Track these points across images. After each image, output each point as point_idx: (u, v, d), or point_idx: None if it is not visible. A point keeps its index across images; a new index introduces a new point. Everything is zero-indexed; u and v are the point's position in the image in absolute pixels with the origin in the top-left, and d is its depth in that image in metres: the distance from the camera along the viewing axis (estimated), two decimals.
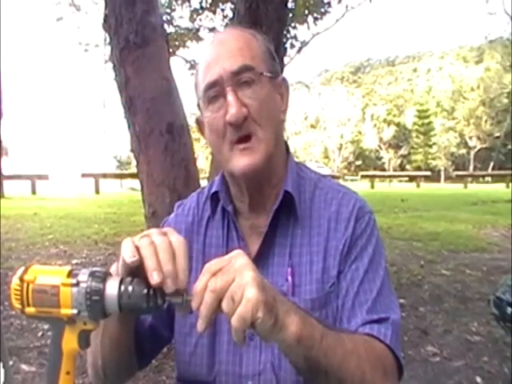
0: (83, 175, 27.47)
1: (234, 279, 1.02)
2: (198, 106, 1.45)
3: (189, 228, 1.53)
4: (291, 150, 1.56)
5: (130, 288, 1.02)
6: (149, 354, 1.55)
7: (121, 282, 1.03)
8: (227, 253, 1.33)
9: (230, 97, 1.31)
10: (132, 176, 21.79)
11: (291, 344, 1.09)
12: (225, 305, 1.01)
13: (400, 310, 1.40)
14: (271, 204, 1.44)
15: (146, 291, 1.02)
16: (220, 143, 1.37)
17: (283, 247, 1.43)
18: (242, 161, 1.33)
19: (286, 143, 1.53)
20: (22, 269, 1.07)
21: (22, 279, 1.05)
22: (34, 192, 22.17)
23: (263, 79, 1.36)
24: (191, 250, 1.49)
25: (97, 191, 23.83)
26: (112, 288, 1.03)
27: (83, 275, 1.04)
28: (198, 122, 1.50)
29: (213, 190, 1.49)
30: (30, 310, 1.06)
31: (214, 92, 1.35)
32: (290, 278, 1.39)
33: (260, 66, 1.37)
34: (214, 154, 1.44)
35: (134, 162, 5.88)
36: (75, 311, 1.03)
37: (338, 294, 1.38)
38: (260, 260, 1.40)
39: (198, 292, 1.02)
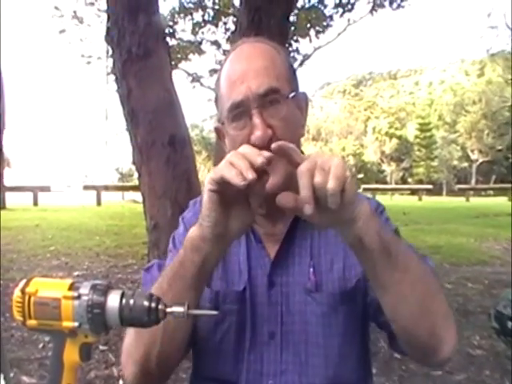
0: (85, 187, 27.42)
1: (316, 161, 1.08)
2: (219, 118, 1.46)
3: None
4: None
5: (132, 301, 1.02)
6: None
7: (122, 295, 1.03)
8: (247, 252, 1.47)
9: (256, 119, 1.32)
10: (134, 188, 21.73)
11: (368, 215, 1.15)
12: (318, 176, 1.05)
13: None
14: (289, 213, 1.43)
15: (147, 304, 1.02)
16: None
17: (304, 248, 1.47)
18: None
19: (303, 153, 1.54)
20: (24, 281, 1.08)
21: (23, 291, 1.06)
22: (35, 203, 22.16)
23: (288, 100, 1.38)
24: None
25: (98, 203, 23.80)
26: (113, 301, 1.03)
27: (85, 288, 1.04)
28: (218, 131, 1.51)
29: None
30: (32, 322, 1.06)
31: (239, 111, 1.36)
32: (312, 277, 1.43)
33: (284, 86, 1.38)
34: None
35: (135, 174, 5.89)
36: (76, 324, 1.04)
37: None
38: (280, 261, 1.45)
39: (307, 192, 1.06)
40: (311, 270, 1.43)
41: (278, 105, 1.36)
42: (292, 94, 1.39)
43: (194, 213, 1.58)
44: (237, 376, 1.43)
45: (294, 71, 1.48)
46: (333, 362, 1.40)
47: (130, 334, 1.37)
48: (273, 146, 1.13)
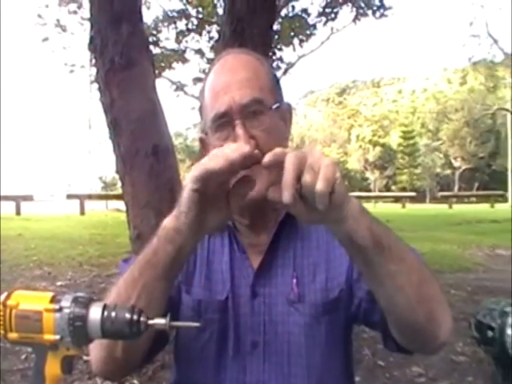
0: (68, 196, 27.29)
1: (306, 157, 1.07)
2: (203, 129, 1.48)
3: None
4: None
5: (114, 314, 1.02)
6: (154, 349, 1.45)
7: (104, 308, 1.03)
8: (231, 261, 1.47)
9: (239, 130, 1.33)
10: (117, 197, 21.68)
11: (358, 211, 1.15)
12: (307, 176, 1.04)
13: None
14: (273, 224, 1.48)
15: (129, 317, 1.02)
16: None
17: (287, 259, 1.47)
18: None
19: None
20: (5, 294, 1.07)
21: (4, 304, 1.05)
22: (18, 213, 22.01)
23: (271, 111, 1.40)
24: (196, 255, 1.51)
25: (82, 212, 23.70)
26: (95, 313, 1.03)
27: (66, 301, 1.04)
28: (202, 141, 1.52)
29: None
30: (13, 335, 1.06)
31: (222, 122, 1.37)
32: (295, 288, 1.44)
33: (268, 97, 1.40)
34: None
35: (119, 183, 5.87)
36: (58, 337, 1.03)
37: (355, 289, 1.43)
38: (263, 272, 1.45)
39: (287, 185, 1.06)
40: (294, 281, 1.44)
41: (261, 116, 1.37)
42: (275, 105, 1.41)
43: None
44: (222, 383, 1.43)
45: (277, 82, 1.50)
46: (315, 372, 1.41)
47: None
48: (265, 159, 1.11)
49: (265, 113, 1.38)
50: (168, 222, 1.24)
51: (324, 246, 1.48)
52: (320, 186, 1.02)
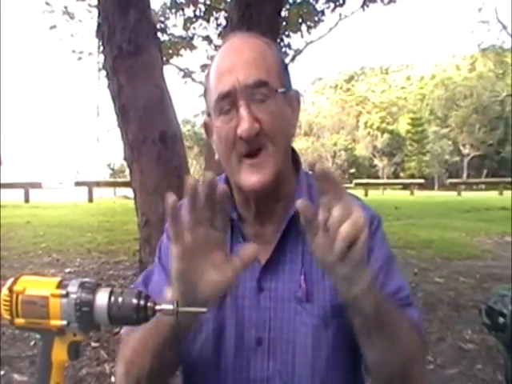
0: (77, 183, 27.32)
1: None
2: (208, 111, 1.43)
3: None
4: None
5: (120, 299, 1.02)
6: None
7: (111, 293, 1.02)
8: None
9: (243, 111, 1.29)
10: (125, 184, 21.69)
11: (368, 285, 1.13)
12: (338, 210, 1.04)
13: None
14: (278, 214, 1.44)
15: (136, 302, 1.01)
16: (228, 154, 1.35)
17: (295, 254, 1.42)
18: (250, 178, 1.32)
19: (295, 153, 1.52)
20: (12, 279, 1.07)
21: (11, 290, 1.05)
22: (27, 200, 22.07)
23: (277, 95, 1.34)
24: None
25: (90, 199, 23.74)
26: (102, 299, 1.02)
27: (73, 286, 1.03)
28: (206, 126, 1.49)
29: None
30: (20, 320, 1.05)
31: (226, 103, 1.32)
32: (303, 285, 1.39)
33: (274, 80, 1.35)
34: (222, 162, 1.42)
35: (127, 170, 5.87)
36: (65, 322, 1.03)
37: None
38: (271, 267, 1.41)
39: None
40: (302, 277, 1.40)
41: (267, 99, 1.32)
42: (282, 89, 1.35)
43: None
44: (220, 383, 1.40)
45: (286, 68, 1.44)
46: (320, 373, 1.37)
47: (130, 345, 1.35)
48: (317, 168, 1.05)
49: (271, 97, 1.32)
50: (166, 294, 1.19)
51: None
52: (347, 227, 1.02)
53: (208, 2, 14.61)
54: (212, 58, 1.47)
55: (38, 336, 1.11)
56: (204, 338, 1.42)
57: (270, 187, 1.33)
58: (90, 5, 14.83)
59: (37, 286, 1.06)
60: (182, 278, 1.12)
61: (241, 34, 1.46)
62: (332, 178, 1.07)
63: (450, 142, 70.54)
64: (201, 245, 1.11)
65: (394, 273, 1.42)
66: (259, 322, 1.38)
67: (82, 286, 1.03)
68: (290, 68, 1.52)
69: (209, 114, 1.42)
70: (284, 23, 13.29)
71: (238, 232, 1.45)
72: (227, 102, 1.32)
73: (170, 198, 1.04)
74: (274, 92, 1.33)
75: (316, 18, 15.23)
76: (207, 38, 15.89)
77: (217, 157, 1.44)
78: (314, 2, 14.61)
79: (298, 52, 17.67)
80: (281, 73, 1.39)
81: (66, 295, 1.02)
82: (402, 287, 1.41)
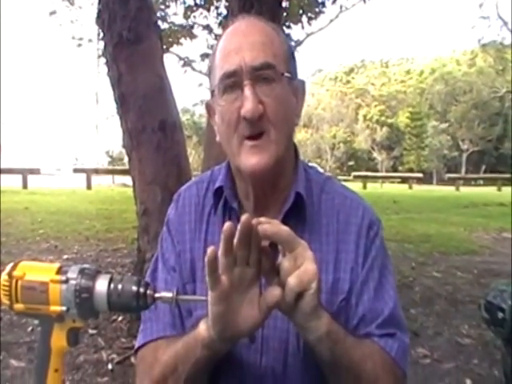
0: (75, 170, 27.33)
1: (298, 248, 1.09)
2: (211, 90, 1.40)
3: (192, 227, 1.49)
4: None
5: (120, 286, 1.01)
6: None
7: (110, 280, 1.02)
8: None
9: (248, 91, 1.27)
10: (124, 172, 21.69)
11: (321, 335, 1.14)
12: (287, 262, 1.07)
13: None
14: (277, 206, 1.42)
15: (135, 289, 1.01)
16: (230, 135, 1.33)
17: None
18: (250, 159, 1.30)
19: (295, 146, 1.50)
20: (11, 265, 1.07)
21: (10, 275, 1.05)
22: (25, 186, 22.08)
23: (283, 79, 1.32)
24: (194, 249, 1.47)
25: (88, 187, 23.76)
26: (101, 286, 1.02)
27: (73, 272, 1.03)
28: (208, 107, 1.47)
29: (217, 185, 1.45)
30: (19, 306, 1.05)
31: (231, 82, 1.30)
32: None
33: (281, 65, 1.33)
34: (222, 143, 1.40)
35: (126, 158, 5.86)
36: (64, 308, 1.03)
37: (348, 307, 1.38)
38: None
39: (274, 227, 1.09)
40: None
41: (273, 83, 1.30)
42: (287, 74, 1.33)
43: (176, 211, 1.55)
44: (213, 381, 1.38)
45: (292, 55, 1.42)
46: (311, 373, 1.35)
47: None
48: (261, 230, 1.08)
49: (276, 80, 1.31)
50: (202, 329, 1.21)
51: (334, 243, 1.40)
52: (292, 281, 1.05)
53: None
54: (213, 47, 1.45)
55: (36, 322, 1.11)
56: None
57: (270, 172, 1.32)
58: None
59: (36, 271, 1.06)
60: (220, 319, 1.13)
61: (249, 17, 1.44)
62: (279, 234, 1.09)
63: (449, 137, 70.47)
64: (237, 285, 1.12)
65: (384, 289, 1.39)
66: None
67: (81, 272, 1.03)
68: None
69: (212, 94, 1.40)
70: (285, 14, 13.23)
71: (237, 221, 1.43)
72: (232, 81, 1.30)
73: (211, 251, 1.05)
74: (280, 75, 1.32)
75: (317, 10, 15.16)
76: (207, 27, 15.82)
77: (218, 138, 1.42)
78: None
79: (298, 43, 17.66)
80: (287, 59, 1.37)
81: (66, 281, 1.02)
82: (389, 309, 1.37)
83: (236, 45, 1.32)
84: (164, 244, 1.52)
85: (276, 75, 1.31)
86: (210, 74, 1.42)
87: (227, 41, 1.36)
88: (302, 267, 1.05)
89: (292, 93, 1.38)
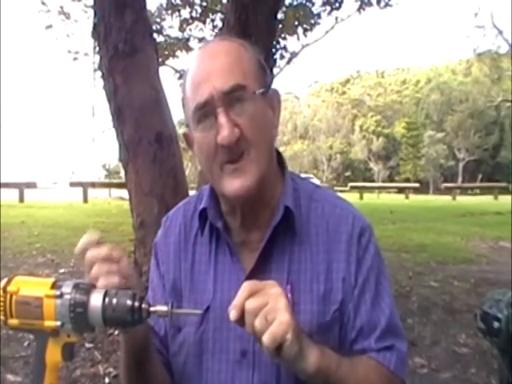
0: (71, 184, 27.34)
1: (268, 302, 1.09)
2: (186, 123, 1.40)
3: (177, 248, 1.49)
4: None
5: (115, 300, 1.01)
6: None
7: (105, 295, 1.02)
8: (215, 269, 1.40)
9: (222, 118, 1.25)
10: (120, 185, 21.68)
11: (311, 373, 1.15)
12: (258, 323, 1.07)
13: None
14: (264, 221, 1.40)
15: (130, 303, 1.01)
16: (210, 163, 1.32)
17: (281, 263, 1.38)
18: (233, 183, 1.29)
19: (281, 156, 1.49)
20: (5, 280, 1.07)
21: (5, 290, 1.04)
22: (21, 200, 22.07)
23: (256, 97, 1.30)
24: (180, 269, 1.47)
25: (85, 200, 23.75)
26: (96, 300, 1.02)
27: (67, 287, 1.03)
28: (186, 137, 1.45)
29: (201, 207, 1.44)
30: (13, 321, 1.05)
31: (204, 112, 1.29)
32: (289, 296, 1.33)
33: (252, 83, 1.31)
34: (204, 171, 1.40)
35: (122, 171, 5.86)
36: (59, 323, 1.03)
37: (345, 319, 1.37)
38: (255, 275, 1.34)
39: (236, 306, 1.09)
40: (288, 287, 1.36)
41: (245, 102, 1.29)
42: (260, 91, 1.32)
43: (163, 233, 1.57)
44: None
45: (263, 68, 1.39)
46: None
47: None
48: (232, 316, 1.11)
49: (249, 99, 1.29)
50: None
51: (324, 253, 1.39)
52: (266, 339, 1.06)
53: (204, 4, 14.60)
54: (188, 65, 1.44)
55: (32, 336, 1.11)
56: (187, 351, 1.41)
57: (254, 192, 1.31)
58: (85, 5, 14.86)
59: (31, 286, 1.05)
60: None
61: (215, 39, 1.47)
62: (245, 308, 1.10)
63: (445, 147, 70.64)
64: None
65: (380, 297, 1.39)
66: (243, 334, 1.30)
67: (76, 287, 1.03)
68: (286, 71, 1.50)
69: (187, 125, 1.39)
70: (280, 26, 13.28)
71: (224, 241, 1.42)
72: (205, 111, 1.29)
73: None
74: (252, 94, 1.30)
75: (312, 21, 15.23)
76: (203, 40, 15.88)
77: (199, 168, 1.43)
78: (310, 5, 14.62)
79: (294, 55, 17.72)
80: (258, 74, 1.36)
81: (61, 296, 1.02)
82: (386, 317, 1.37)
83: (204, 73, 1.31)
84: (151, 266, 1.55)
85: (248, 94, 1.29)
86: (183, 105, 1.41)
87: (196, 70, 1.35)
88: (274, 322, 1.07)
89: (268, 105, 1.37)
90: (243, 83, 1.29)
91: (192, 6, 14.65)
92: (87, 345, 5.13)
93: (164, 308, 1.04)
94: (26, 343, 5.15)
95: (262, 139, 1.31)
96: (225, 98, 1.27)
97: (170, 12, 14.99)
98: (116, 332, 5.31)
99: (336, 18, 17.94)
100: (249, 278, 1.35)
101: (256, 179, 1.30)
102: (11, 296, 1.04)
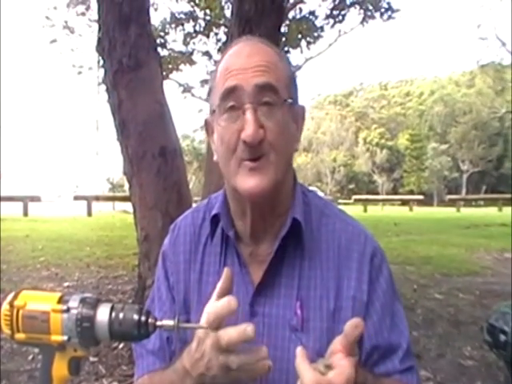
0: (76, 197, 27.33)
1: None
2: (211, 109, 1.35)
3: (187, 258, 1.47)
4: None
5: (122, 315, 1.01)
6: None
7: (112, 309, 1.02)
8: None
9: (249, 115, 1.22)
10: (125, 199, 21.69)
11: None
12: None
13: None
14: (274, 233, 1.37)
15: (137, 318, 1.01)
16: (229, 156, 1.29)
17: (291, 278, 1.36)
18: (249, 181, 1.26)
19: (293, 171, 1.46)
20: (13, 294, 1.07)
21: (12, 305, 1.05)
22: (26, 214, 22.07)
23: (284, 105, 1.28)
24: (188, 280, 1.45)
25: (89, 213, 23.76)
26: (103, 314, 1.02)
27: (74, 301, 1.03)
28: (207, 124, 1.42)
29: (213, 212, 1.41)
30: (20, 335, 1.05)
31: (232, 101, 1.26)
32: (299, 312, 1.33)
33: (283, 90, 1.28)
34: (220, 163, 1.35)
35: (126, 185, 5.87)
36: (65, 338, 1.03)
37: (367, 340, 1.34)
38: (264, 289, 1.35)
39: None
40: (298, 303, 1.34)
41: (274, 107, 1.26)
42: (289, 100, 1.29)
43: (171, 241, 1.53)
44: None
45: (294, 81, 1.38)
46: None
47: None
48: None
49: (278, 106, 1.26)
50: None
51: (335, 270, 1.36)
52: None
53: (208, 18, 14.67)
54: (219, 59, 1.40)
55: (36, 350, 1.12)
56: None
57: (268, 194, 1.28)
58: (90, 19, 14.95)
59: (38, 300, 1.05)
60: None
61: (252, 39, 1.39)
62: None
63: (449, 158, 70.60)
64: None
65: (398, 319, 1.38)
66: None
67: (82, 301, 1.03)
68: None
69: (212, 112, 1.34)
70: (284, 39, 13.34)
71: (233, 252, 1.41)
72: (233, 98, 1.26)
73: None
74: (281, 100, 1.27)
75: (315, 34, 15.30)
76: (207, 54, 15.97)
77: (215, 158, 1.38)
78: (313, 18, 14.68)
79: (297, 68, 17.81)
80: (290, 85, 1.33)
81: (67, 310, 1.02)
82: (405, 340, 1.37)
83: (238, 64, 1.28)
84: (159, 276, 1.52)
85: (278, 100, 1.27)
86: (210, 93, 1.39)
87: (230, 61, 1.32)
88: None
89: (292, 119, 1.35)
90: (276, 85, 1.27)
91: (196, 20, 14.73)
92: (91, 358, 5.12)
93: (170, 322, 1.04)
94: (30, 357, 5.13)
95: (283, 147, 1.29)
96: (255, 93, 1.25)
97: (173, 26, 15.08)
98: (120, 346, 5.30)
99: (339, 31, 18.10)
100: (257, 290, 1.35)
101: (272, 182, 1.27)
102: (18, 310, 1.04)
